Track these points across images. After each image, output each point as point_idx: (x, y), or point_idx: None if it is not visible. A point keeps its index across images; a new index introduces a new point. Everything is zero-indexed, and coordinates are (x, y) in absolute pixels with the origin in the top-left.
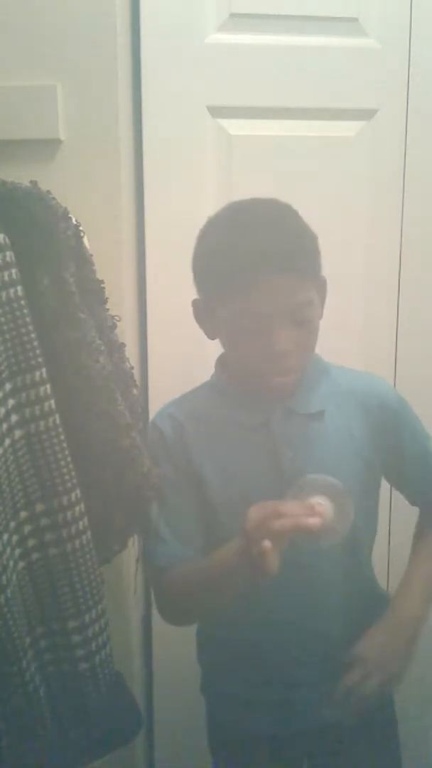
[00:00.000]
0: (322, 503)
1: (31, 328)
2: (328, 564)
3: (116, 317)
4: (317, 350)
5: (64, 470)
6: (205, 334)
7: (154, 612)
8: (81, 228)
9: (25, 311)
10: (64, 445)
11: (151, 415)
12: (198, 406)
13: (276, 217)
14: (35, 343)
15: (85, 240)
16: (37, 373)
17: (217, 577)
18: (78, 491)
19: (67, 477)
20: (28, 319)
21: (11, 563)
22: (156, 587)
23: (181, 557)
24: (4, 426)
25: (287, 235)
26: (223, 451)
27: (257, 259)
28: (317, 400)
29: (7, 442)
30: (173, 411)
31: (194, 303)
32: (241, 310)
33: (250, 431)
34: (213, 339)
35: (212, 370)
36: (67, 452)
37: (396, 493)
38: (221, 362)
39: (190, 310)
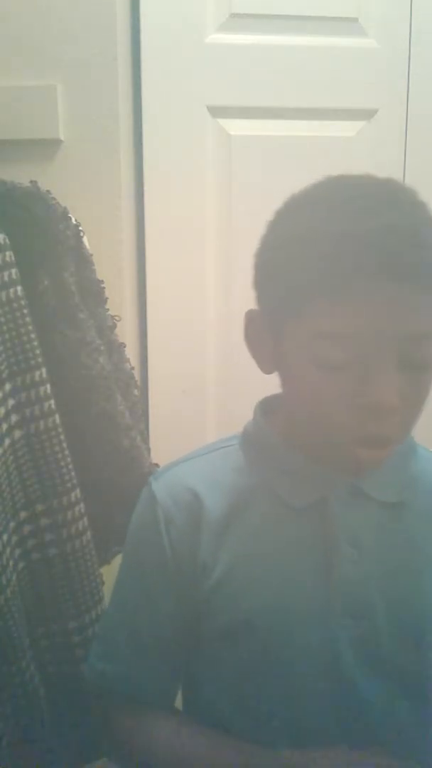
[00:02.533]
0: None
1: (31, 328)
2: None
3: (116, 317)
4: None
5: (64, 470)
6: (258, 364)
7: None
8: (81, 228)
9: (25, 311)
10: (64, 445)
11: (152, 416)
12: (221, 468)
13: (401, 201)
14: (35, 343)
15: (85, 240)
16: (37, 373)
17: None
18: (78, 491)
19: (67, 477)
20: (28, 319)
21: (11, 563)
22: (101, 710)
23: (141, 684)
24: (4, 426)
25: (418, 230)
26: (251, 540)
27: (368, 251)
28: (397, 485)
29: (7, 442)
30: (182, 474)
31: (249, 315)
32: (331, 328)
33: (296, 514)
34: (268, 372)
35: (211, 372)
36: (67, 452)
37: None
38: (266, 407)
39: (190, 310)
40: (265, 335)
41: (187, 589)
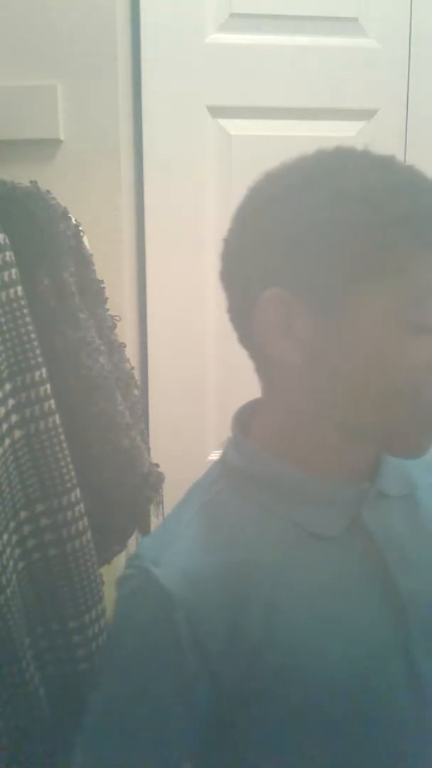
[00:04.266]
0: None
1: (31, 328)
2: None
3: (116, 317)
4: None
5: (64, 470)
6: (282, 352)
7: None
8: (81, 228)
9: (25, 311)
10: (64, 445)
11: (152, 416)
12: (227, 520)
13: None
14: (35, 343)
15: (85, 240)
16: (37, 373)
17: None
18: (78, 491)
19: (67, 477)
20: (28, 319)
21: (11, 563)
22: None
23: None
24: (4, 426)
25: None
26: (303, 592)
27: None
28: (406, 473)
29: (7, 442)
30: (191, 546)
31: (275, 296)
32: None
33: (334, 543)
34: (295, 362)
35: (211, 372)
36: (67, 452)
37: None
38: (243, 424)
39: (190, 310)
40: (302, 316)
41: (220, 699)
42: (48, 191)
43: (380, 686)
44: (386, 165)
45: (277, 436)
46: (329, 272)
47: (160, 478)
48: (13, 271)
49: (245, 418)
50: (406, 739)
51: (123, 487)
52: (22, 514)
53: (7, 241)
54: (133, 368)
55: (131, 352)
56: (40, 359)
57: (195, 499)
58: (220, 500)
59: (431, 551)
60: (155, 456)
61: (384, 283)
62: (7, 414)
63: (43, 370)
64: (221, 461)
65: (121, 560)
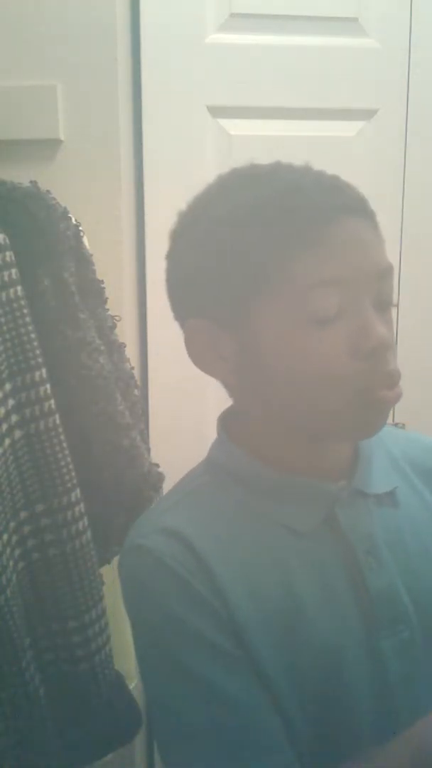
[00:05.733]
0: None
1: (31, 328)
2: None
3: (116, 317)
4: None
5: (64, 470)
6: (220, 375)
7: None
8: (81, 228)
9: (25, 311)
10: (64, 445)
11: (152, 416)
12: (206, 514)
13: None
14: (35, 343)
15: (85, 240)
16: (37, 373)
17: None
18: (78, 491)
19: (67, 477)
20: (28, 319)
21: (11, 563)
22: None
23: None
24: (4, 426)
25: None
26: (273, 586)
27: (325, 194)
28: (383, 472)
29: (7, 442)
30: (169, 523)
31: (190, 327)
32: (325, 275)
33: (306, 538)
34: (231, 382)
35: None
36: (67, 452)
37: None
38: (227, 426)
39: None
40: (221, 338)
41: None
42: (48, 191)
43: (344, 675)
44: (256, 180)
45: (251, 438)
46: (224, 297)
47: (160, 478)
48: (13, 271)
49: (230, 419)
50: (366, 727)
51: (123, 487)
52: (22, 514)
53: (7, 241)
54: (133, 368)
55: (131, 352)
56: (40, 359)
57: (179, 489)
58: (203, 492)
59: (402, 550)
60: (155, 456)
61: (272, 292)
62: (7, 414)
63: (43, 370)
64: (207, 458)
65: None
